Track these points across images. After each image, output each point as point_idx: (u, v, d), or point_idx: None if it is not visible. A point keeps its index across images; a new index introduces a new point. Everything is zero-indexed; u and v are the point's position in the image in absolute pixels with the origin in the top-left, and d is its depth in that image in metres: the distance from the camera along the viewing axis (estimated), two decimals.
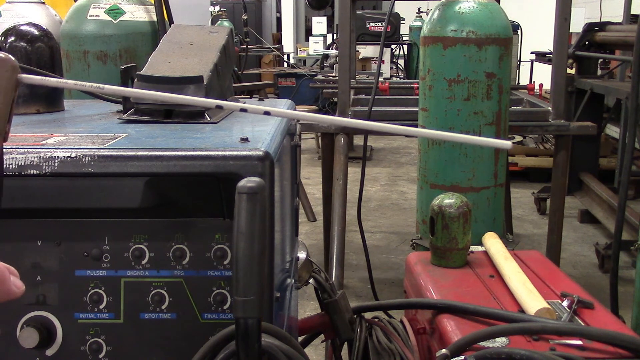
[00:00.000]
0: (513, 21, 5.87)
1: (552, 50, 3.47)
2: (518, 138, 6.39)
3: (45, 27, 1.36)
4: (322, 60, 8.81)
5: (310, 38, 11.80)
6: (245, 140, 0.97)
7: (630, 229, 3.87)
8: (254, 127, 1.15)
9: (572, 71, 5.14)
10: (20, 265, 0.91)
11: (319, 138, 5.50)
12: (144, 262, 0.92)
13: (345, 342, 1.45)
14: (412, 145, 7.61)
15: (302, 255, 1.41)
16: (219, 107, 0.59)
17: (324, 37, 11.38)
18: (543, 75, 5.22)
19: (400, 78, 9.91)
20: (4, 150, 0.90)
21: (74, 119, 1.29)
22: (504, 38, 2.72)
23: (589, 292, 1.43)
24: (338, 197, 3.32)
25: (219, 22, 8.66)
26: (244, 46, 7.33)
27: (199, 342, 0.85)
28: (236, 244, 0.75)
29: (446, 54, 2.70)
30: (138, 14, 2.46)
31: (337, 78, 3.72)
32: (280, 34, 13.94)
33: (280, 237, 1.06)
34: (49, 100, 1.33)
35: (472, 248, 1.69)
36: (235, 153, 0.90)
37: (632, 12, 5.81)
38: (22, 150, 0.90)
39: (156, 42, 2.18)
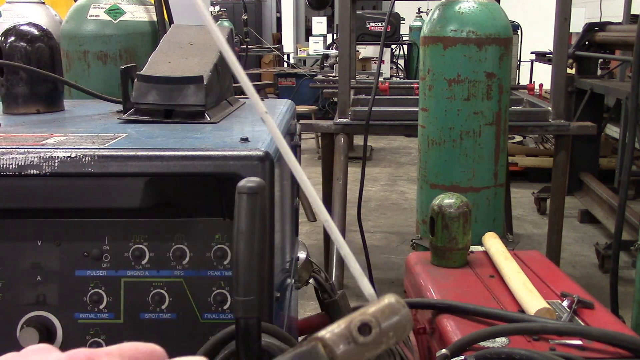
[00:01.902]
0: (513, 21, 5.86)
1: (552, 50, 3.47)
2: (518, 138, 6.39)
3: (45, 27, 1.36)
4: (322, 60, 8.81)
5: (310, 38, 11.79)
6: (245, 140, 0.97)
7: (630, 229, 3.87)
8: (254, 127, 1.15)
9: (572, 71, 5.14)
10: (20, 265, 0.91)
11: (319, 138, 5.50)
12: (144, 262, 0.92)
13: None
14: (412, 145, 7.60)
15: (302, 255, 1.41)
16: None
17: (324, 37, 11.38)
18: (543, 75, 5.22)
19: (400, 78, 9.90)
20: (4, 150, 0.90)
21: (74, 119, 1.29)
22: (504, 38, 2.72)
23: (589, 292, 1.43)
24: (338, 197, 3.32)
25: (219, 22, 8.64)
26: (244, 46, 7.34)
27: (199, 342, 0.85)
28: (236, 244, 0.75)
29: (446, 54, 2.70)
30: (138, 14, 2.45)
31: (337, 78, 3.72)
32: (280, 34, 13.93)
33: (280, 237, 1.06)
34: (49, 100, 1.33)
35: (472, 248, 1.69)
36: (235, 153, 0.90)
37: (632, 12, 5.81)
38: (22, 150, 0.90)
39: (156, 42, 2.18)
